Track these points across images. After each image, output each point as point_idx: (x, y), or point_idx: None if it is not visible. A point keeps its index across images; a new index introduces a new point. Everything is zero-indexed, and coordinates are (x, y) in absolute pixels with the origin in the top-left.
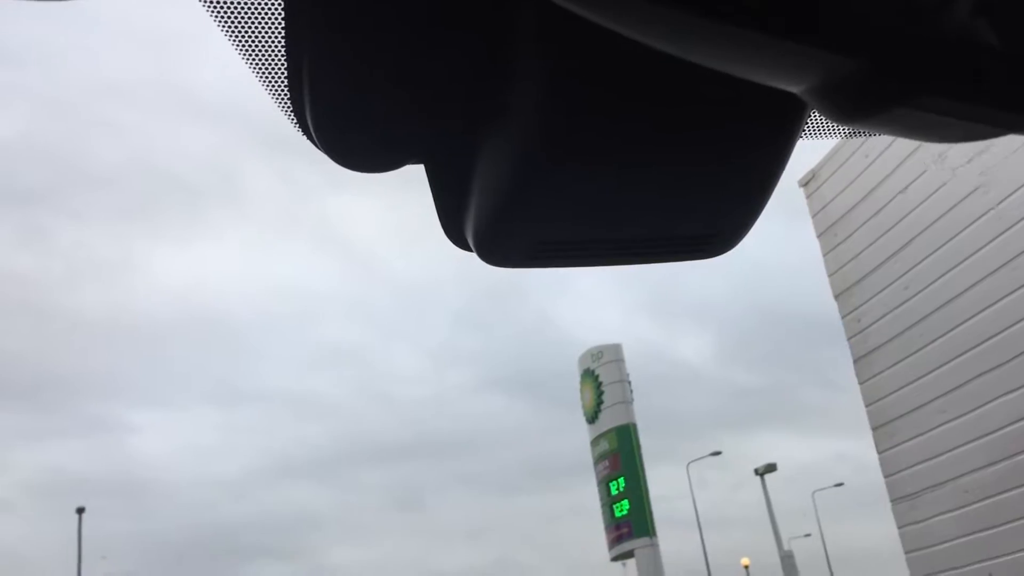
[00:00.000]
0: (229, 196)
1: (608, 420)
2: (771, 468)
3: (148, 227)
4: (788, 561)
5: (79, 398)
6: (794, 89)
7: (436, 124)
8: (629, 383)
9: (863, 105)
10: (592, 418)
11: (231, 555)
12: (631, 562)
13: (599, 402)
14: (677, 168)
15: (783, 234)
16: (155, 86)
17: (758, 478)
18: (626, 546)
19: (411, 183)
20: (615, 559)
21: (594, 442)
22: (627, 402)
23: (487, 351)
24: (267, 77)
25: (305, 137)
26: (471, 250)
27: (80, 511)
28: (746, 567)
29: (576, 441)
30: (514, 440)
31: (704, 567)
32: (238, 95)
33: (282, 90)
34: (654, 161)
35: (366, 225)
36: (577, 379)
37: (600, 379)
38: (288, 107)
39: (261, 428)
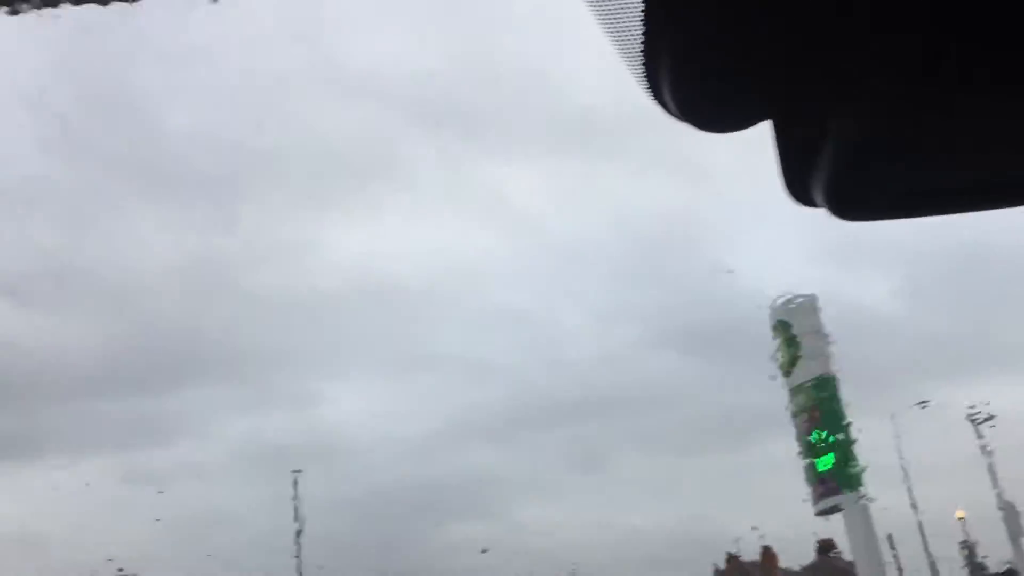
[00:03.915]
0: (391, 172)
1: (805, 372)
2: (986, 416)
3: (321, 206)
4: (1010, 512)
5: (274, 372)
6: None
7: (790, 83)
8: (826, 333)
9: None
10: (788, 371)
11: (421, 514)
12: (838, 516)
13: (795, 353)
14: None
15: None
16: (312, 72)
17: (970, 426)
18: (831, 501)
19: (567, 148)
20: (820, 514)
21: (792, 395)
22: (825, 353)
23: (657, 307)
24: (624, 50)
25: (657, 104)
26: (817, 207)
27: (295, 474)
28: (961, 519)
29: (764, 395)
30: (693, 396)
31: (916, 521)
32: (389, 78)
33: (638, 61)
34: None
35: (525, 191)
36: (760, 331)
37: (794, 330)
38: (642, 76)
39: (439, 393)
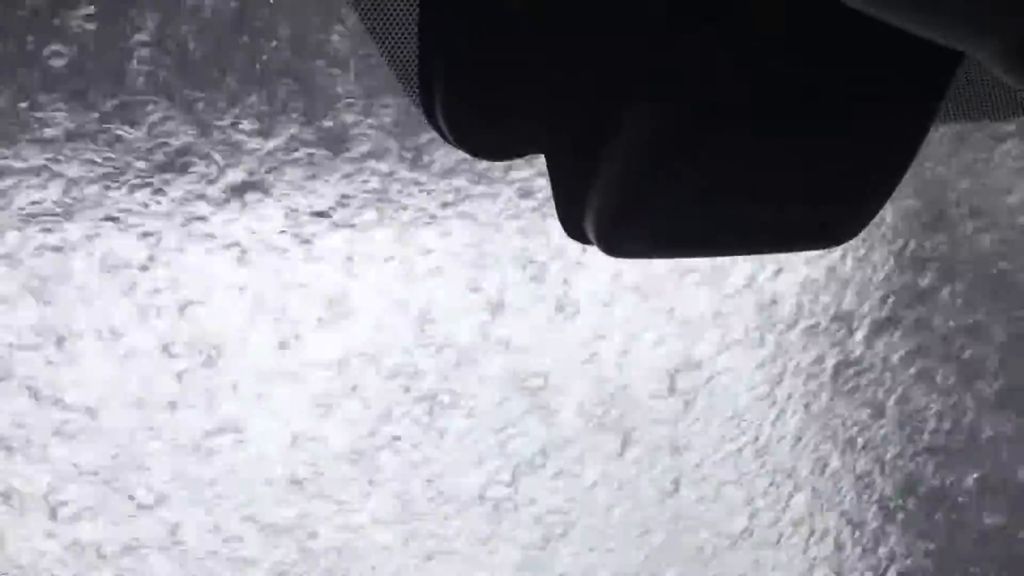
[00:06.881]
0: None
1: None
2: None
3: None
4: None
5: None
6: (981, 49)
7: (562, 115)
8: None
9: None
10: None
11: None
12: None
13: None
14: (815, 145)
15: None
16: None
17: None
18: None
19: None
20: None
21: None
22: None
23: None
24: (399, 69)
25: (430, 125)
26: (589, 243)
27: None
28: None
29: None
30: None
31: None
32: None
33: (411, 81)
34: (792, 136)
35: None
36: None
37: None
38: (414, 95)
39: None
